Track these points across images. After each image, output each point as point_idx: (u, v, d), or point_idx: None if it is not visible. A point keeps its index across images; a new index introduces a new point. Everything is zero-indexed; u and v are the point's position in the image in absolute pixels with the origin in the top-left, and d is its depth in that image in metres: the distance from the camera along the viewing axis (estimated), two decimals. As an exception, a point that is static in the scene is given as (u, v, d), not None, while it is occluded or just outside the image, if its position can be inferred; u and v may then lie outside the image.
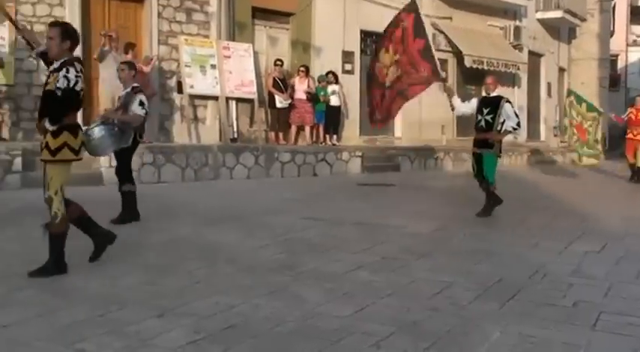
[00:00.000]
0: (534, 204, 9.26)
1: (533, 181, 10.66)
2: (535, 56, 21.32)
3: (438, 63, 7.92)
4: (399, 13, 8.37)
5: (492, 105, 7.62)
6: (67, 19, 10.97)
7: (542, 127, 22.16)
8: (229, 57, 12.76)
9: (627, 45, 34.58)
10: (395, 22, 8.12)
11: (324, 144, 13.82)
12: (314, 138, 13.92)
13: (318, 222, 7.01)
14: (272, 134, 13.47)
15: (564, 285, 4.50)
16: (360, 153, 13.49)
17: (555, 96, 23.01)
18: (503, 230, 6.97)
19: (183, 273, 4.61)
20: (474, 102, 7.95)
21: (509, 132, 7.76)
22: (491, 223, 7.37)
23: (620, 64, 34.36)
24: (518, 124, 7.65)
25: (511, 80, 19.57)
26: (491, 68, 17.83)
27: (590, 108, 13.12)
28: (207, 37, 12.76)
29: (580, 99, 13.18)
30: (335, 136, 14.28)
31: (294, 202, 8.67)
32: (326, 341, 3.28)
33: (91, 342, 3.16)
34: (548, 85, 22.46)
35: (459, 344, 3.34)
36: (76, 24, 11.07)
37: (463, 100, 8.42)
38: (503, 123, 7.55)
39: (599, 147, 13.34)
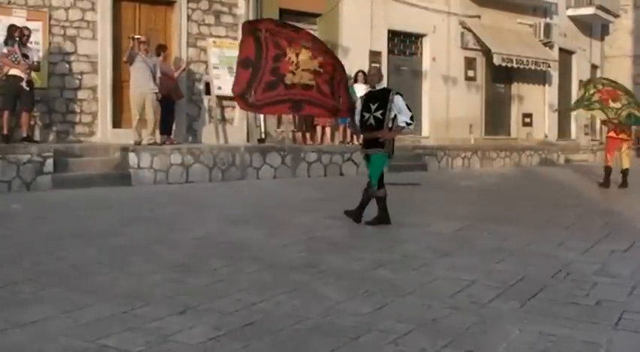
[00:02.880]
0: (561, 203, 9.16)
1: (561, 180, 10.56)
2: (566, 54, 21.06)
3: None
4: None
5: (380, 99, 6.71)
6: (99, 23, 11.32)
7: (573, 126, 21.85)
8: (257, 58, 12.88)
9: (662, 41, 33.84)
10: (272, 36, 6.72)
11: (351, 143, 13.86)
12: (341, 138, 13.98)
13: (342, 221, 7.03)
14: (299, 134, 13.58)
15: (588, 284, 4.45)
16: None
17: (587, 94, 22.64)
18: (528, 229, 6.90)
19: (207, 271, 4.68)
20: (358, 103, 7.06)
21: (403, 128, 6.85)
22: (515, 222, 7.30)
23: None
24: (412, 118, 6.79)
25: (542, 78, 19.38)
26: (521, 66, 17.70)
27: (627, 90, 11.72)
28: (235, 39, 12.90)
29: (617, 85, 11.71)
30: (362, 136, 14.26)
31: (319, 202, 8.73)
32: (344, 339, 3.30)
33: (114, 338, 3.24)
34: (580, 82, 22.10)
35: (477, 342, 3.34)
36: (108, 27, 11.41)
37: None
38: (394, 119, 6.69)
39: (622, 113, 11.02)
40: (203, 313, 3.68)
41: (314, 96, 6.79)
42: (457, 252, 5.57)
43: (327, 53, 7.02)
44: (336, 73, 6.84)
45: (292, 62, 6.66)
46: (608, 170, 11.42)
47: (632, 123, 11.67)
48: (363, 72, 14.27)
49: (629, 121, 11.38)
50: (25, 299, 3.89)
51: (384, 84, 7.11)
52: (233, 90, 6.79)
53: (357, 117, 6.93)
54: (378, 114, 6.65)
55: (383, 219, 6.76)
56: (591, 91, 11.55)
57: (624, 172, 11.46)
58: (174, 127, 11.79)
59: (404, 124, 6.72)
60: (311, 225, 6.74)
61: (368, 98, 6.87)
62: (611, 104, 11.18)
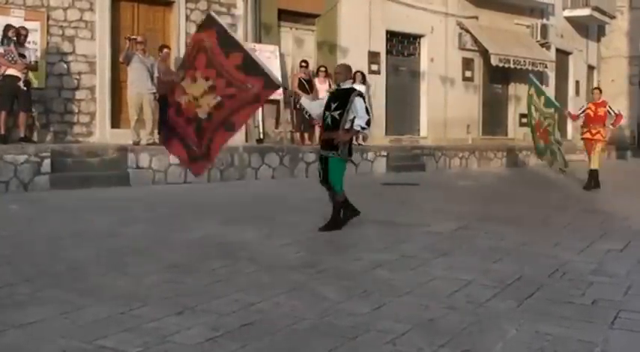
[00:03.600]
0: (557, 203, 9.20)
1: (557, 180, 10.58)
2: (563, 54, 21.12)
3: (269, 71, 6.11)
4: (195, 36, 6.86)
5: (342, 99, 6.33)
6: (97, 23, 11.32)
7: (570, 126, 21.88)
8: (256, 58, 12.92)
9: (658, 41, 33.96)
10: (194, 46, 6.43)
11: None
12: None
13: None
14: (297, 135, 13.58)
15: (584, 284, 4.47)
16: (385, 153, 13.57)
17: (584, 94, 22.75)
18: (525, 229, 6.92)
19: (206, 272, 4.70)
20: (326, 98, 6.73)
21: (357, 131, 6.51)
22: (512, 223, 7.33)
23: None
24: (368, 123, 6.36)
25: (539, 78, 19.38)
26: (518, 66, 17.74)
27: (549, 103, 11.22)
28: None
29: (540, 92, 11.51)
30: (361, 136, 14.31)
31: (318, 202, 8.69)
32: (342, 339, 3.32)
33: (112, 339, 3.25)
34: (577, 83, 22.24)
35: (474, 341, 3.36)
36: (106, 28, 11.41)
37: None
38: (353, 120, 6.30)
39: (562, 149, 11.10)
40: (201, 313, 3.69)
41: (233, 106, 6.03)
42: (455, 251, 5.59)
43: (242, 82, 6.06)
44: (223, 72, 6.06)
45: (191, 98, 6.14)
46: (594, 172, 11.00)
47: (551, 104, 11.22)
48: (361, 72, 14.32)
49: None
50: (22, 300, 3.90)
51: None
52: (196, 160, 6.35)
53: (318, 111, 6.62)
54: (336, 114, 6.29)
55: (336, 224, 6.46)
56: (532, 127, 11.57)
57: (592, 173, 10.99)
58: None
59: (359, 128, 6.34)
60: (309, 226, 6.74)
61: (331, 96, 6.56)
62: (548, 137, 11.10)
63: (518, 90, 19.14)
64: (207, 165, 7.37)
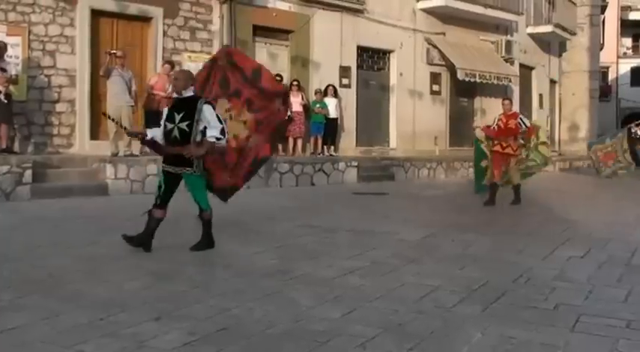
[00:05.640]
0: (522, 211, 9.45)
1: (522, 190, 10.80)
2: (526, 69, 21.65)
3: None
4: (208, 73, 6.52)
5: (187, 108, 5.61)
6: (77, 38, 11.44)
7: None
8: (231, 72, 13.13)
9: (618, 57, 35.10)
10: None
11: (321, 154, 14.09)
12: (312, 149, 14.19)
13: (313, 229, 7.18)
14: (271, 146, 13.73)
15: (547, 289, 4.64)
16: (356, 164, 13.78)
17: (547, 107, 23.36)
18: (491, 236, 7.11)
19: (182, 278, 4.77)
20: (165, 111, 5.90)
21: (212, 143, 5.67)
22: (479, 230, 7.51)
23: (611, 76, 34.84)
24: (223, 132, 5.67)
25: (503, 92, 19.84)
26: (484, 81, 18.14)
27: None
28: (210, 53, 13.10)
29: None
30: (332, 147, 14.61)
31: (291, 210, 8.85)
32: (314, 343, 3.42)
33: (91, 344, 3.31)
34: (540, 96, 22.78)
35: (441, 345, 3.49)
36: (86, 42, 11.53)
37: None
38: (204, 131, 5.63)
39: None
40: (178, 319, 3.76)
41: (265, 125, 6.31)
42: (423, 258, 5.74)
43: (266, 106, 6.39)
44: (243, 92, 6.30)
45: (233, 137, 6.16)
46: (494, 187, 10.11)
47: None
48: (333, 86, 14.59)
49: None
50: (2, 307, 3.93)
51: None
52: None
53: (160, 129, 5.80)
54: (184, 125, 5.58)
55: (209, 242, 5.94)
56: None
57: (515, 188, 10.23)
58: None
59: (213, 139, 5.61)
60: (283, 233, 6.86)
61: (173, 106, 5.79)
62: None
63: (484, 104, 19.57)
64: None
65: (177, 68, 12.07)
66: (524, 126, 10.13)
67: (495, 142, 10.18)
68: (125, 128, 6.25)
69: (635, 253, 6.12)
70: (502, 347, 3.44)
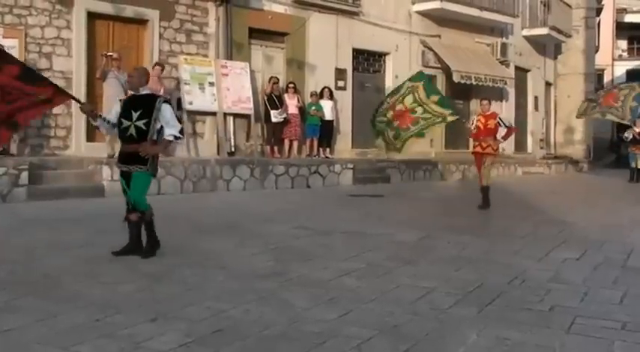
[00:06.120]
0: (517, 213, 9.46)
1: (517, 191, 10.84)
2: (521, 71, 21.70)
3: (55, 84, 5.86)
4: None
5: (145, 106, 5.57)
6: (74, 41, 11.47)
7: (529, 139, 22.51)
8: (227, 75, 13.19)
9: (613, 59, 35.22)
10: None
11: (317, 156, 14.12)
12: (308, 151, 14.20)
13: (309, 231, 7.20)
14: (268, 148, 13.78)
15: (542, 291, 4.66)
16: (351, 166, 13.81)
17: (542, 109, 23.43)
18: (486, 238, 7.14)
19: (178, 280, 4.77)
20: (117, 107, 5.86)
21: (170, 142, 5.82)
22: (474, 232, 7.54)
23: (607, 78, 34.93)
24: (181, 132, 5.76)
25: (499, 94, 19.92)
26: (479, 83, 18.19)
27: (441, 102, 10.46)
28: (206, 56, 13.21)
29: (432, 91, 10.62)
30: (328, 149, 14.64)
31: (287, 213, 8.86)
32: (310, 344, 3.42)
33: (88, 345, 3.31)
34: (535, 98, 22.85)
35: (436, 346, 3.50)
36: (82, 45, 11.56)
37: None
38: (161, 131, 5.61)
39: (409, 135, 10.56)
40: (174, 320, 3.76)
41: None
42: (418, 260, 5.75)
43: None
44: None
45: None
46: (485, 190, 9.92)
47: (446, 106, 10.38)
48: (329, 88, 14.63)
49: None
50: (-1, 308, 3.92)
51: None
52: None
53: (112, 121, 5.76)
54: (141, 123, 5.53)
55: (156, 242, 5.75)
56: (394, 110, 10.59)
57: (484, 190, 9.90)
58: None
59: (172, 138, 5.66)
60: (279, 235, 6.86)
61: (130, 103, 5.70)
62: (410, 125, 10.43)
63: (480, 106, 19.62)
64: None
65: (166, 70, 12.15)
66: (504, 125, 10.17)
67: (476, 144, 10.17)
68: (82, 103, 6.00)
69: (630, 255, 6.15)
70: (497, 348, 3.45)
